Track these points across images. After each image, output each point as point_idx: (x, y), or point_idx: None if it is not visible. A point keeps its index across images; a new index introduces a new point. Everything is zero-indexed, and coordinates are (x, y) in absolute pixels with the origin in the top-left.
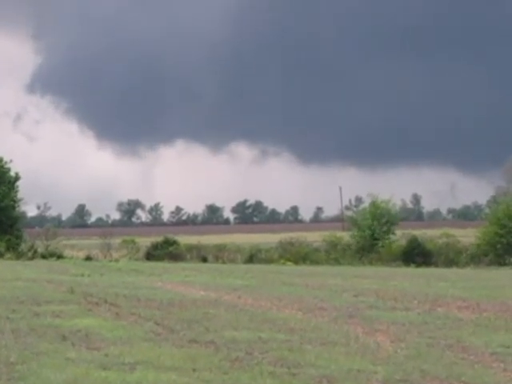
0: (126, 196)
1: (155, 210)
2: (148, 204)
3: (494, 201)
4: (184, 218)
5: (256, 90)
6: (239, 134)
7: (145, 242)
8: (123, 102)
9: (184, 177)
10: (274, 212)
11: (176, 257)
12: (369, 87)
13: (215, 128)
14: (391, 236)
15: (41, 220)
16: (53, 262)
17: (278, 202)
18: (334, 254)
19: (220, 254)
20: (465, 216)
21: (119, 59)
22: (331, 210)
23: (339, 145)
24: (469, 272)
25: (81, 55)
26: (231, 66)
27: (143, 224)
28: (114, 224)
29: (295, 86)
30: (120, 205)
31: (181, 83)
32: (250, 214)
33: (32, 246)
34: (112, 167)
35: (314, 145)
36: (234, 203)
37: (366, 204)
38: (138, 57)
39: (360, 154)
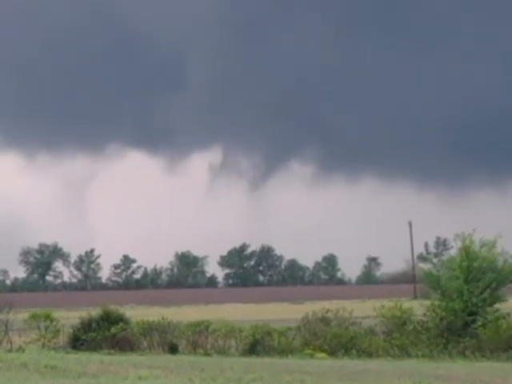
0: (37, 238)
1: (87, 261)
2: (74, 252)
3: None
4: (137, 276)
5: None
6: (227, 131)
7: (69, 317)
8: (33, 82)
9: (137, 205)
10: (293, 265)
11: (124, 344)
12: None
13: (196, 123)
14: (499, 308)
15: None
16: None
17: (299, 247)
18: (399, 340)
19: (200, 340)
20: None
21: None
22: (393, 263)
23: (403, 142)
24: None
25: None
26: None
27: (66, 287)
28: (16, 286)
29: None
30: (25, 253)
31: (137, 59)
32: (252, 270)
33: None
34: (12, 187)
35: (360, 141)
36: (223, 250)
37: (453, 251)
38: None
39: (446, 161)
